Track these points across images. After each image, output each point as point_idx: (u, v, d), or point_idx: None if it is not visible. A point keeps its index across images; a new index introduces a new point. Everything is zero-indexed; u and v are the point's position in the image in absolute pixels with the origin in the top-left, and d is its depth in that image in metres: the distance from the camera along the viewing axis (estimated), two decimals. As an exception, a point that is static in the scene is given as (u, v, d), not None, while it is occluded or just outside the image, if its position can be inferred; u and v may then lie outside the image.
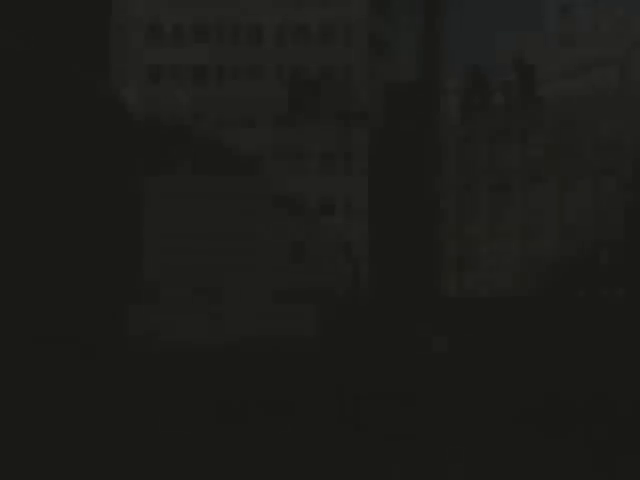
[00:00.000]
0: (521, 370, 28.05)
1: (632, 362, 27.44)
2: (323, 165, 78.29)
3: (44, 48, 14.59)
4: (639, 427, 26.17)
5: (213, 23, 79.63)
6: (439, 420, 26.13)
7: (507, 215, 73.18)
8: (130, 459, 20.32)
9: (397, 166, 75.19)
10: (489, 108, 79.82)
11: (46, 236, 14.26)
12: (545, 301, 44.38)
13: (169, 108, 78.99)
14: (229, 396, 29.43)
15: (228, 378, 30.28)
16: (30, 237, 14.80)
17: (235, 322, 68.10)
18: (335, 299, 55.08)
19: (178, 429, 26.33)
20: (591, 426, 26.18)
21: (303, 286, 75.44)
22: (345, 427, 26.08)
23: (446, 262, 74.39)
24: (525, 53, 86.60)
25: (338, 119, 75.50)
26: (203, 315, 71.63)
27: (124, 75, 76.65)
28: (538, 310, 30.42)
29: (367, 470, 23.02)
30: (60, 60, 14.84)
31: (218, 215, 76.51)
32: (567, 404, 26.98)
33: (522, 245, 72.44)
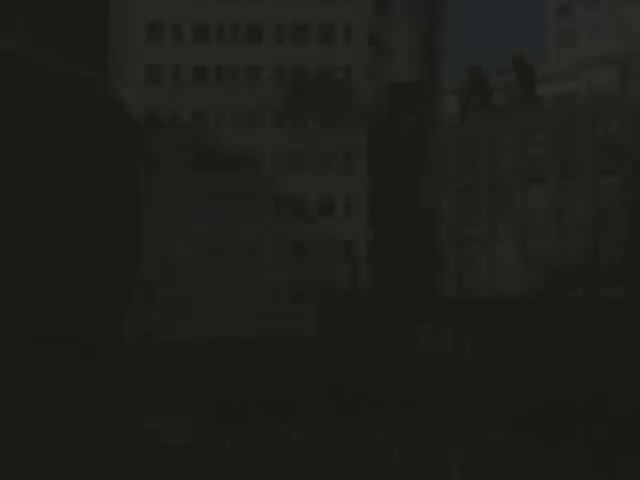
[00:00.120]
0: (520, 370, 28.00)
1: (632, 363, 27.41)
2: (323, 165, 78.24)
3: (43, 48, 14.56)
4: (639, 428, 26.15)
5: (213, 23, 79.57)
6: (439, 420, 26.09)
7: (507, 215, 73.13)
8: (129, 459, 20.27)
9: (397, 166, 75.13)
10: (489, 108, 79.80)
11: (44, 235, 14.19)
12: (545, 301, 44.36)
13: (169, 108, 78.90)
14: (228, 396, 29.38)
15: (227, 378, 30.23)
16: (28, 236, 14.73)
17: (235, 322, 68.01)
18: (335, 299, 55.00)
19: (178, 429, 26.27)
20: (591, 427, 26.14)
21: (303, 286, 75.37)
22: (345, 427, 26.03)
23: (446, 262, 74.30)
24: (525, 53, 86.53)
25: (338, 119, 75.45)
26: (202, 315, 71.55)
27: (124, 75, 76.56)
28: (538, 310, 30.39)
29: (367, 470, 22.98)
30: (59, 60, 14.79)
31: (217, 215, 76.42)
32: (567, 405, 26.94)
33: (522, 245, 72.40)
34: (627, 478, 23.68)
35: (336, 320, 28.50)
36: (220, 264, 75.85)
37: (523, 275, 71.49)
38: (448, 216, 74.34)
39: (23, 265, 15.33)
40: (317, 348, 28.52)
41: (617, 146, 68.85)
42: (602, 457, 24.38)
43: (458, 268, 74.90)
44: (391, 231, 75.35)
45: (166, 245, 74.79)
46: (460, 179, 75.53)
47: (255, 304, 75.07)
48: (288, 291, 76.19)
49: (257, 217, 76.94)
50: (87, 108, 14.77)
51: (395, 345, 27.89)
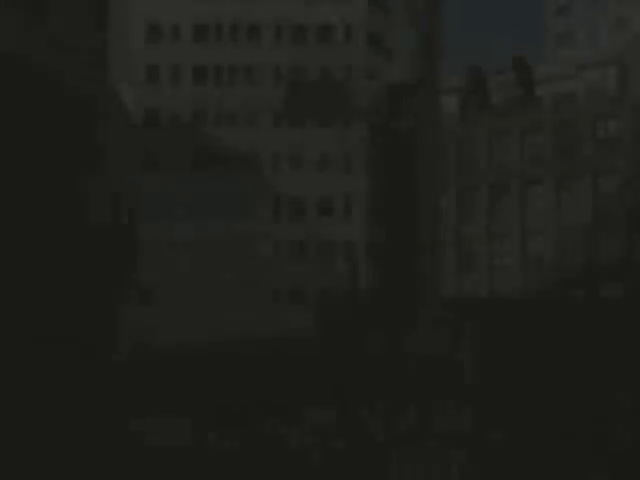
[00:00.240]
0: (520, 370, 27.96)
1: (633, 362, 27.38)
2: (322, 165, 78.19)
3: (42, 47, 14.60)
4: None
5: (212, 23, 79.54)
6: (438, 420, 26.04)
7: (506, 215, 73.11)
8: (128, 459, 20.21)
9: (396, 166, 75.07)
10: (488, 108, 79.78)
11: (43, 235, 14.25)
12: (544, 301, 44.32)
13: (168, 108, 78.86)
14: (228, 398, 29.33)
15: (227, 379, 30.17)
16: (26, 236, 14.77)
17: (234, 323, 67.96)
18: (334, 299, 54.95)
19: (177, 429, 26.24)
20: (591, 428, 26.11)
21: (302, 286, 75.32)
22: (346, 428, 25.99)
23: (445, 262, 74.25)
24: (524, 53, 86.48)
25: (337, 119, 75.41)
26: (200, 316, 71.47)
27: (123, 75, 76.52)
28: (537, 310, 30.36)
29: (367, 473, 22.94)
30: (58, 59, 14.84)
31: (216, 214, 76.37)
32: (569, 405, 26.90)
33: (521, 245, 72.38)
34: (627, 478, 23.67)
35: (335, 320, 28.46)
36: (219, 264, 75.78)
37: (522, 275, 71.47)
38: (447, 216, 74.31)
39: (19, 265, 15.36)
40: (316, 349, 28.47)
41: (616, 146, 68.82)
42: (601, 457, 24.36)
43: (457, 268, 74.86)
44: (390, 231, 75.29)
45: (165, 245, 74.73)
46: (459, 179, 75.50)
47: (254, 304, 75.01)
48: (287, 291, 76.15)
49: (256, 217, 76.89)
50: (86, 108, 14.81)
51: (393, 345, 27.87)
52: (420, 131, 71.91)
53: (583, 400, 26.93)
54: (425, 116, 72.08)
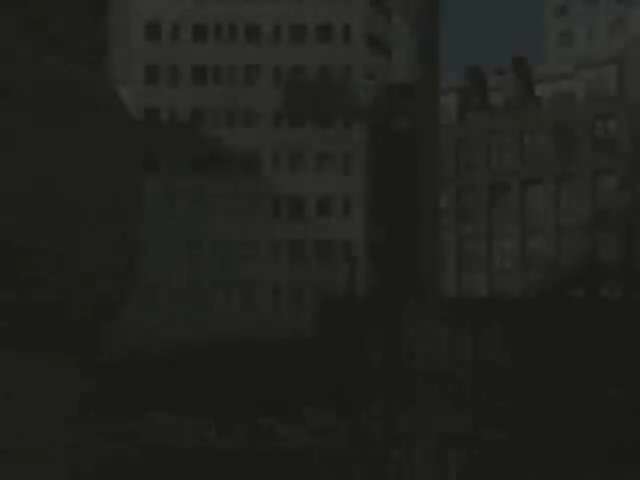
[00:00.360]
0: (519, 370, 27.96)
1: (632, 362, 27.40)
2: (321, 165, 78.20)
3: (41, 47, 14.60)
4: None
5: (211, 22, 79.55)
6: (437, 420, 26.05)
7: (506, 215, 73.15)
8: (126, 460, 20.21)
9: (395, 166, 75.11)
10: (488, 108, 79.80)
11: (42, 233, 14.29)
12: (543, 301, 44.34)
13: (167, 108, 78.86)
14: (227, 397, 29.36)
15: (225, 379, 30.21)
16: (25, 234, 14.83)
17: (233, 323, 68.00)
18: (333, 300, 54.91)
19: (176, 430, 26.27)
20: (591, 426, 26.12)
21: (301, 286, 75.32)
22: (345, 428, 26.01)
23: (444, 262, 74.27)
24: (524, 53, 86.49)
25: (336, 119, 75.42)
26: (200, 316, 71.49)
27: (123, 75, 76.54)
28: (536, 310, 30.38)
29: (366, 473, 22.95)
30: (58, 59, 14.84)
31: (217, 215, 76.38)
32: (568, 404, 26.91)
33: (521, 245, 72.40)
34: (627, 478, 23.70)
35: (334, 321, 28.48)
36: (219, 264, 75.80)
37: (522, 275, 71.49)
38: (446, 216, 74.34)
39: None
40: (316, 349, 28.49)
41: (616, 146, 68.87)
42: (601, 457, 24.39)
43: (457, 268, 74.90)
44: (389, 231, 75.31)
45: (165, 245, 74.74)
46: (459, 179, 75.53)
47: (253, 304, 75.03)
48: (287, 291, 76.17)
49: (255, 217, 76.91)
50: (86, 107, 14.84)
51: (392, 345, 27.89)
52: (419, 131, 71.93)
53: (582, 400, 26.95)
54: (424, 116, 72.10)
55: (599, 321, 28.72)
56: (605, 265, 67.88)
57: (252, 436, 26.30)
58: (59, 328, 14.29)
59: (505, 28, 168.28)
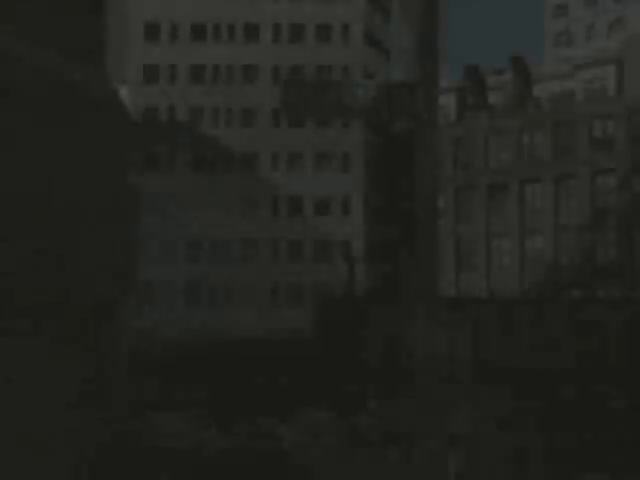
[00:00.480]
0: (519, 370, 28.00)
1: (630, 362, 27.45)
2: (320, 165, 78.20)
3: (40, 47, 14.55)
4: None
5: (209, 22, 79.52)
6: (437, 420, 26.07)
7: (504, 215, 73.16)
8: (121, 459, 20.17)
9: (394, 166, 75.05)
10: (486, 108, 79.82)
11: (42, 233, 14.25)
12: (542, 301, 44.40)
13: (166, 107, 78.84)
14: (225, 396, 29.37)
15: (224, 378, 30.24)
16: (26, 235, 14.80)
17: (232, 322, 68.02)
18: (332, 299, 54.95)
19: (174, 430, 26.27)
20: (586, 425, 26.14)
21: (300, 286, 75.33)
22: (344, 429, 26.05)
23: (443, 262, 74.26)
24: (523, 53, 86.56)
25: (335, 118, 75.44)
26: (199, 315, 71.50)
27: (122, 74, 76.52)
28: (535, 310, 30.42)
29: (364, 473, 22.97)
30: (56, 59, 14.79)
31: (214, 214, 76.38)
32: (564, 403, 26.95)
33: (519, 245, 72.43)
34: (623, 476, 23.74)
35: (333, 321, 28.51)
36: (217, 263, 75.81)
37: (520, 275, 71.52)
38: (445, 216, 74.37)
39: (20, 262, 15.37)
40: (314, 349, 28.53)
41: (614, 146, 68.89)
42: (600, 458, 24.41)
43: (456, 268, 74.92)
44: (388, 231, 75.28)
45: (164, 244, 74.74)
46: (457, 178, 75.55)
47: (253, 304, 75.05)
48: (285, 291, 76.18)
49: (254, 217, 76.91)
50: (85, 107, 14.79)
51: (391, 345, 27.91)
52: (418, 131, 71.95)
53: (581, 400, 26.99)
54: (424, 116, 72.07)
55: (597, 320, 28.77)
56: (603, 265, 67.93)
57: (251, 436, 26.32)
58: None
59: (504, 28, 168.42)
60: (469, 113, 78.57)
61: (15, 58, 15.23)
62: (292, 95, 43.45)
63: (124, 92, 73.50)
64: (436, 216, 43.05)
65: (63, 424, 15.36)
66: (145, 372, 29.28)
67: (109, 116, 17.45)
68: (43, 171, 15.66)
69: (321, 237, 76.34)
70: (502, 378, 27.43)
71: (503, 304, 35.43)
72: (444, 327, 28.13)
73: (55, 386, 15.28)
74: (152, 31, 79.05)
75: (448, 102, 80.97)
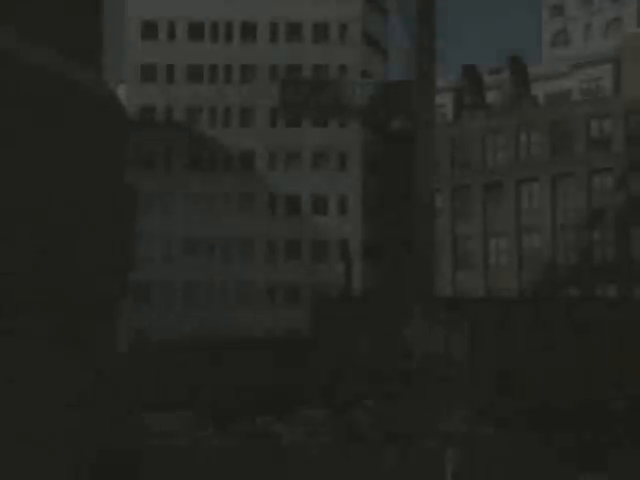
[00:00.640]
0: (518, 370, 28.05)
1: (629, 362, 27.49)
2: (317, 164, 78.23)
3: (38, 46, 14.53)
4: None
5: (207, 21, 79.53)
6: (436, 420, 26.11)
7: (501, 214, 73.23)
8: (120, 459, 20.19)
9: (391, 165, 75.19)
10: (484, 107, 79.88)
11: (40, 233, 14.24)
12: (540, 300, 44.43)
13: (163, 106, 78.84)
14: (222, 395, 29.42)
15: (222, 378, 30.27)
16: (25, 235, 14.79)
17: (230, 321, 68.06)
18: (329, 299, 55.01)
19: (172, 429, 26.31)
20: (583, 425, 26.20)
21: (297, 285, 75.35)
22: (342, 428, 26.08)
23: (440, 261, 74.31)
24: (520, 52, 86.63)
25: (332, 118, 75.48)
26: (197, 314, 71.52)
27: (119, 74, 76.53)
28: (534, 309, 30.46)
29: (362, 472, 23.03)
30: (54, 58, 14.77)
31: (213, 213, 76.40)
32: (561, 403, 26.99)
33: (516, 244, 72.50)
34: (619, 476, 23.80)
35: (330, 320, 28.55)
36: (215, 263, 75.84)
37: (518, 274, 71.59)
38: (442, 215, 74.41)
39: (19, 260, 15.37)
40: (311, 348, 28.57)
41: (611, 145, 68.99)
42: (594, 455, 24.48)
43: (452, 267, 74.97)
44: (386, 230, 75.40)
45: (161, 243, 74.75)
46: (454, 178, 75.60)
47: (250, 303, 75.07)
48: (283, 290, 76.21)
49: (251, 215, 76.93)
50: (83, 107, 14.78)
51: (388, 344, 27.96)
52: (415, 130, 71.98)
53: (581, 399, 27.03)
54: (421, 115, 72.11)
55: (596, 320, 28.82)
56: (600, 264, 68.03)
57: (249, 434, 26.35)
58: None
59: (502, 27, 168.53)
60: (466, 112, 78.63)
61: (15, 58, 15.27)
62: (290, 94, 43.45)
63: (122, 91, 73.50)
64: (433, 215, 43.11)
65: (63, 424, 15.41)
66: (143, 372, 29.33)
67: (107, 115, 17.49)
68: (41, 170, 15.71)
69: (319, 236, 76.38)
70: (500, 378, 27.47)
71: (500, 303, 35.49)
72: (441, 326, 28.16)
73: (55, 386, 15.33)
74: (149, 30, 79.06)
75: (445, 101, 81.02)
